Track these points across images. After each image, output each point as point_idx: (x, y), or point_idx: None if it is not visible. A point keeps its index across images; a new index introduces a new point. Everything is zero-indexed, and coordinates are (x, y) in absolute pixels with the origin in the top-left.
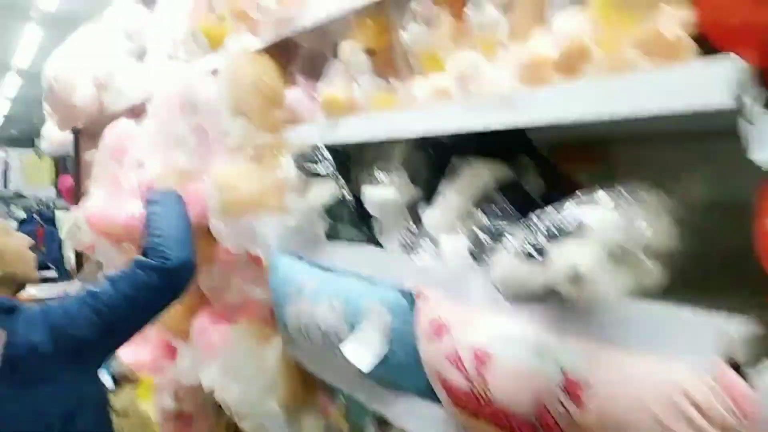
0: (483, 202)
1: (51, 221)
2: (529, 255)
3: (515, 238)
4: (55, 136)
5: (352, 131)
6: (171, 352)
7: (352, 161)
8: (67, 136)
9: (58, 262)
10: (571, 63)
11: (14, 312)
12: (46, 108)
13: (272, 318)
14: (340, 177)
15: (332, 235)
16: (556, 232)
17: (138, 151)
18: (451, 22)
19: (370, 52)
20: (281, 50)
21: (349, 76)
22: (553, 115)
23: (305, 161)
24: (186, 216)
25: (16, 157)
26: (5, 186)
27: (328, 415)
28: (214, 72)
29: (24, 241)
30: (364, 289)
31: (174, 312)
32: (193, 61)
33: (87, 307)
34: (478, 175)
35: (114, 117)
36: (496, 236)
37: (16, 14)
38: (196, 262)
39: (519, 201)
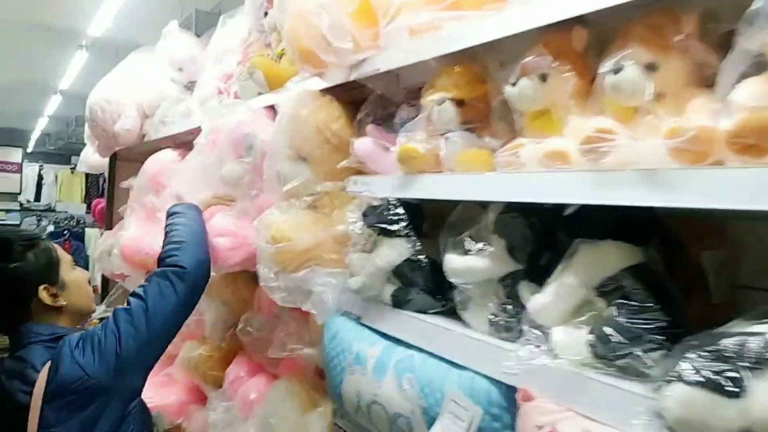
0: (609, 291)
1: (80, 237)
2: (720, 387)
3: (690, 361)
4: (92, 159)
5: (434, 189)
6: (198, 396)
7: (426, 219)
8: (104, 160)
9: None
10: (752, 139)
11: (62, 339)
12: (88, 133)
13: (320, 379)
14: (415, 236)
15: (399, 300)
16: (756, 360)
17: (178, 185)
18: (574, 79)
19: (458, 103)
20: (347, 93)
21: (431, 127)
22: (721, 201)
23: (375, 216)
24: (203, 225)
25: (51, 172)
26: (38, 199)
27: None
28: (271, 111)
29: (85, 275)
30: (446, 373)
31: (206, 355)
32: (246, 97)
33: (124, 323)
34: (604, 257)
35: (154, 146)
36: (630, 334)
37: (66, 40)
38: (210, 262)
39: (653, 291)
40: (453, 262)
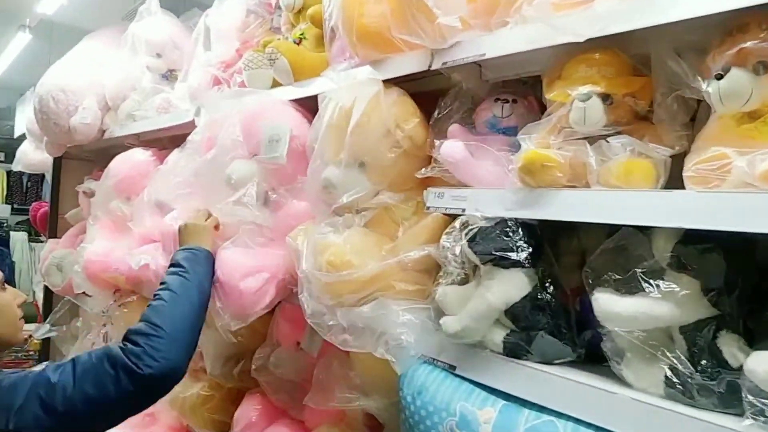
0: None
1: (3, 242)
2: None
3: None
4: (32, 157)
5: (577, 209)
6: None
7: (546, 242)
8: (47, 159)
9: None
10: None
11: None
12: (29, 127)
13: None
14: (539, 267)
15: (514, 348)
16: None
17: (158, 191)
18: None
19: (605, 98)
20: (407, 85)
21: (568, 128)
22: None
23: (489, 241)
24: (204, 302)
25: None
26: None
27: None
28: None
29: (13, 297)
30: None
31: (204, 395)
32: (258, 88)
33: (37, 401)
34: None
35: (115, 143)
36: None
37: (5, 20)
38: (186, 368)
39: None
40: (614, 305)
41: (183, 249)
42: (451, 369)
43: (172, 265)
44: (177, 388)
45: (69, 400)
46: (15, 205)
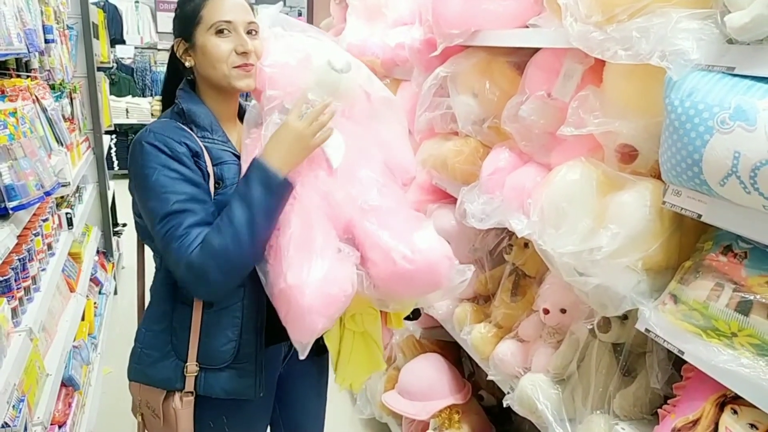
0: None
1: None
2: None
3: None
4: None
5: None
6: (437, 196)
7: None
8: None
9: None
10: None
11: None
12: None
13: (629, 159)
14: None
15: None
16: None
17: None
18: None
19: None
20: None
21: None
22: None
23: None
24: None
25: None
26: None
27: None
28: None
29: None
30: None
31: (455, 149)
32: None
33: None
34: None
35: None
36: None
37: None
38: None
39: None
40: None
41: (261, 167)
42: (729, 70)
43: (246, 180)
44: (424, 151)
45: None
46: None
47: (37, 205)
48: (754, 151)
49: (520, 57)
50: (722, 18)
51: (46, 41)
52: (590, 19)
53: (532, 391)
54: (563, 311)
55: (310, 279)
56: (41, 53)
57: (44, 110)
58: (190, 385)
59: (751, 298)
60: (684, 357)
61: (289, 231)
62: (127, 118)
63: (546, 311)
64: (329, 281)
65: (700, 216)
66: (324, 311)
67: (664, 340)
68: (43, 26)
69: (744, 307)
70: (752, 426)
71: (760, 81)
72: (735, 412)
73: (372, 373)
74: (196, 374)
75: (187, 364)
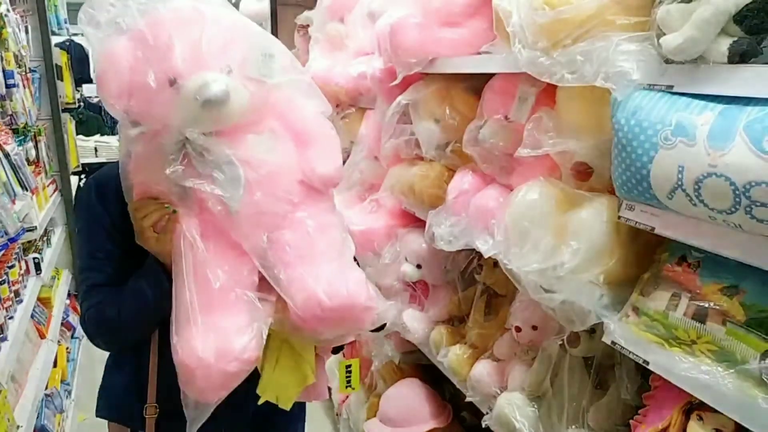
0: None
1: None
2: None
3: None
4: (251, 8)
5: None
6: (406, 220)
7: None
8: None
9: None
10: None
11: None
12: None
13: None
14: None
15: (742, 52)
16: None
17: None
18: None
19: None
20: None
21: None
22: None
23: None
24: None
25: None
26: None
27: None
28: None
29: None
30: None
31: (420, 174)
32: None
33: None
34: None
35: None
36: None
37: None
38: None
39: None
40: None
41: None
42: (668, 89)
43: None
44: (392, 176)
45: None
46: None
47: (1, 252)
48: (695, 164)
49: (477, 82)
50: (659, 40)
51: (7, 86)
52: (537, 45)
53: (509, 410)
54: (534, 328)
55: (203, 356)
56: (2, 98)
57: (6, 156)
58: (150, 427)
59: (706, 305)
60: (649, 367)
61: (185, 295)
62: (96, 156)
63: (518, 329)
64: (226, 356)
65: (653, 229)
66: (221, 386)
67: (630, 352)
68: (3, 71)
69: (700, 315)
70: (718, 431)
71: (697, 98)
72: (701, 418)
73: (301, 387)
74: (155, 416)
75: (146, 405)
